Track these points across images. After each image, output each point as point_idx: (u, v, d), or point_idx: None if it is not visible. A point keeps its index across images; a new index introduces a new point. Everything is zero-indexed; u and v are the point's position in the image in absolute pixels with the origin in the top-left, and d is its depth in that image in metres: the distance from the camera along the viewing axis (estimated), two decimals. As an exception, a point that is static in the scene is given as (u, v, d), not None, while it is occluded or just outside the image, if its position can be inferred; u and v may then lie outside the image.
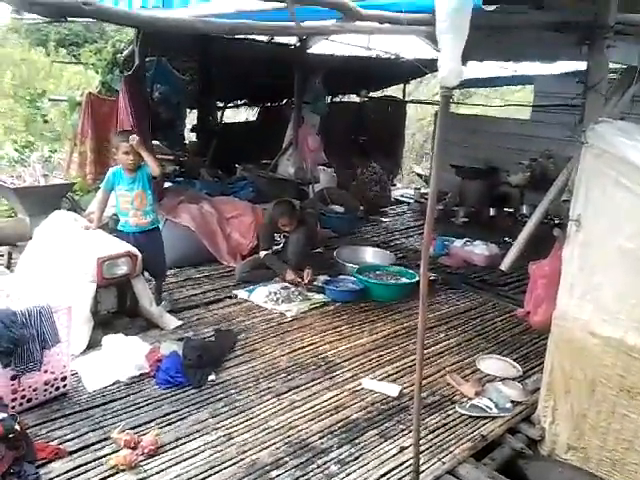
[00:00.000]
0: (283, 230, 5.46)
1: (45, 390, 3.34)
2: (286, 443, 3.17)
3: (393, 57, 8.43)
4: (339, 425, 3.36)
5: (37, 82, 9.90)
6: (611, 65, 3.49)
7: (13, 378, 3.16)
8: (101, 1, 4.14)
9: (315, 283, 5.35)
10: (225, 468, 2.95)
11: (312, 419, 3.40)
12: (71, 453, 2.96)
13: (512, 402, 3.64)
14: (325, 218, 7.22)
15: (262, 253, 5.51)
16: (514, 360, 4.22)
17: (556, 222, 5.22)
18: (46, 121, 7.19)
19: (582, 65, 3.43)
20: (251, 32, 2.82)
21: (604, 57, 3.18)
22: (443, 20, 2.30)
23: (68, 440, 3.06)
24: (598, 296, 3.01)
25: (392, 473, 2.99)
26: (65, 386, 3.45)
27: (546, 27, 3.36)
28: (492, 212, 8.14)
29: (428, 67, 5.54)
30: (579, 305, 3.09)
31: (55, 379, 3.39)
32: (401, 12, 2.63)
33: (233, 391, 3.64)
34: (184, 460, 2.98)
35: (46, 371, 3.32)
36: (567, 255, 3.15)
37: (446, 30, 2.31)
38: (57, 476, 2.80)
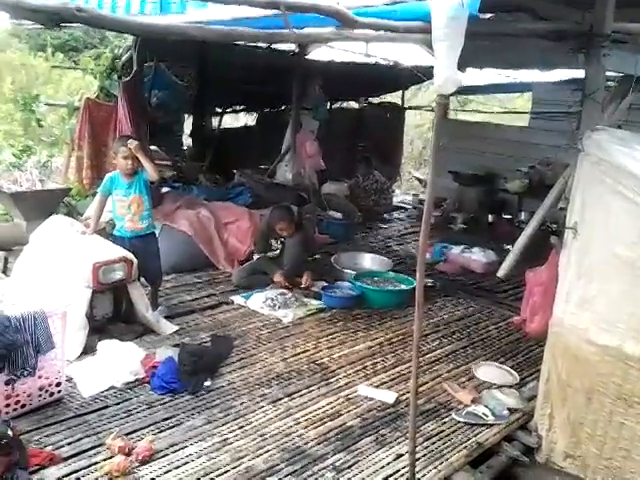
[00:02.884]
0: (280, 235, 5.47)
1: (39, 396, 3.33)
2: (281, 450, 3.15)
3: (392, 64, 8.45)
4: (335, 432, 3.35)
5: (36, 87, 9.91)
6: (610, 73, 3.50)
7: (7, 383, 3.14)
8: (99, 6, 4.17)
9: (313, 289, 5.35)
10: (220, 475, 2.93)
11: (308, 426, 3.39)
12: (65, 459, 2.94)
13: (509, 409, 3.63)
14: (323, 224, 7.23)
15: (255, 256, 5.52)
16: (511, 367, 4.21)
17: (553, 229, 5.22)
18: (41, 125, 7.19)
19: (580, 73, 3.43)
20: (245, 39, 2.82)
21: (601, 66, 3.18)
22: (439, 28, 2.31)
23: (62, 446, 3.04)
24: (595, 304, 3.00)
25: (388, 480, 2.98)
26: (60, 392, 3.43)
27: (542, 35, 3.36)
28: (490, 219, 8.15)
29: (426, 74, 5.54)
30: (576, 313, 3.09)
31: (49, 384, 3.38)
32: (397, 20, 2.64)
33: (229, 397, 3.63)
34: (178, 467, 2.97)
35: (40, 377, 3.31)
36: (564, 263, 3.16)
37: (442, 38, 2.33)
38: (50, 482, 2.79)
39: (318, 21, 2.96)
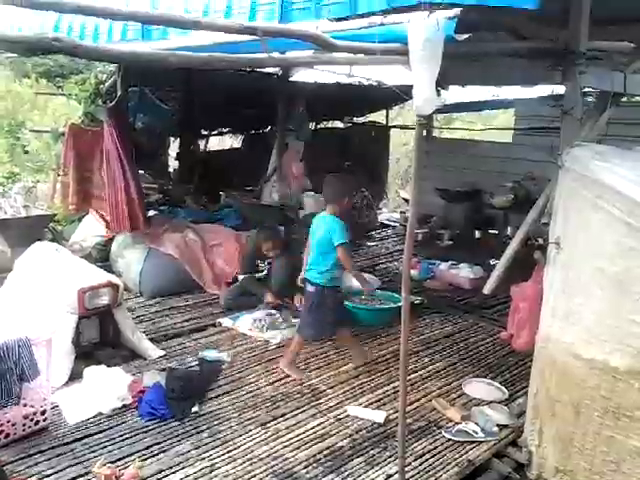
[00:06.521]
0: (267, 256, 5.46)
1: (24, 425, 3.29)
2: (270, 473, 3.12)
3: (375, 83, 8.53)
4: (324, 453, 3.33)
5: (22, 113, 9.91)
6: (590, 89, 3.54)
7: (-9, 413, 3.10)
8: (81, 35, 4.19)
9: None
10: (208, 501, 2.90)
11: (297, 448, 3.37)
12: (50, 489, 2.91)
13: (498, 426, 3.62)
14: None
15: (240, 277, 5.50)
16: (500, 383, 4.20)
17: (538, 244, 5.25)
18: (26, 152, 7.18)
19: (561, 88, 3.48)
20: (225, 65, 2.84)
21: (577, 83, 3.23)
22: (416, 50, 2.35)
23: (47, 476, 3.00)
24: (580, 318, 3.01)
25: (378, 502, 2.96)
26: (45, 420, 3.39)
27: (519, 54, 3.41)
28: (477, 234, 8.19)
29: (409, 93, 5.59)
30: (562, 327, 3.09)
31: (34, 413, 3.33)
32: (375, 42, 2.67)
33: (217, 422, 3.59)
34: (166, 494, 2.94)
35: (25, 405, 3.27)
36: (548, 277, 3.17)
37: (419, 60, 2.36)
38: (35, 513, 2.75)
39: (298, 45, 3.00)
